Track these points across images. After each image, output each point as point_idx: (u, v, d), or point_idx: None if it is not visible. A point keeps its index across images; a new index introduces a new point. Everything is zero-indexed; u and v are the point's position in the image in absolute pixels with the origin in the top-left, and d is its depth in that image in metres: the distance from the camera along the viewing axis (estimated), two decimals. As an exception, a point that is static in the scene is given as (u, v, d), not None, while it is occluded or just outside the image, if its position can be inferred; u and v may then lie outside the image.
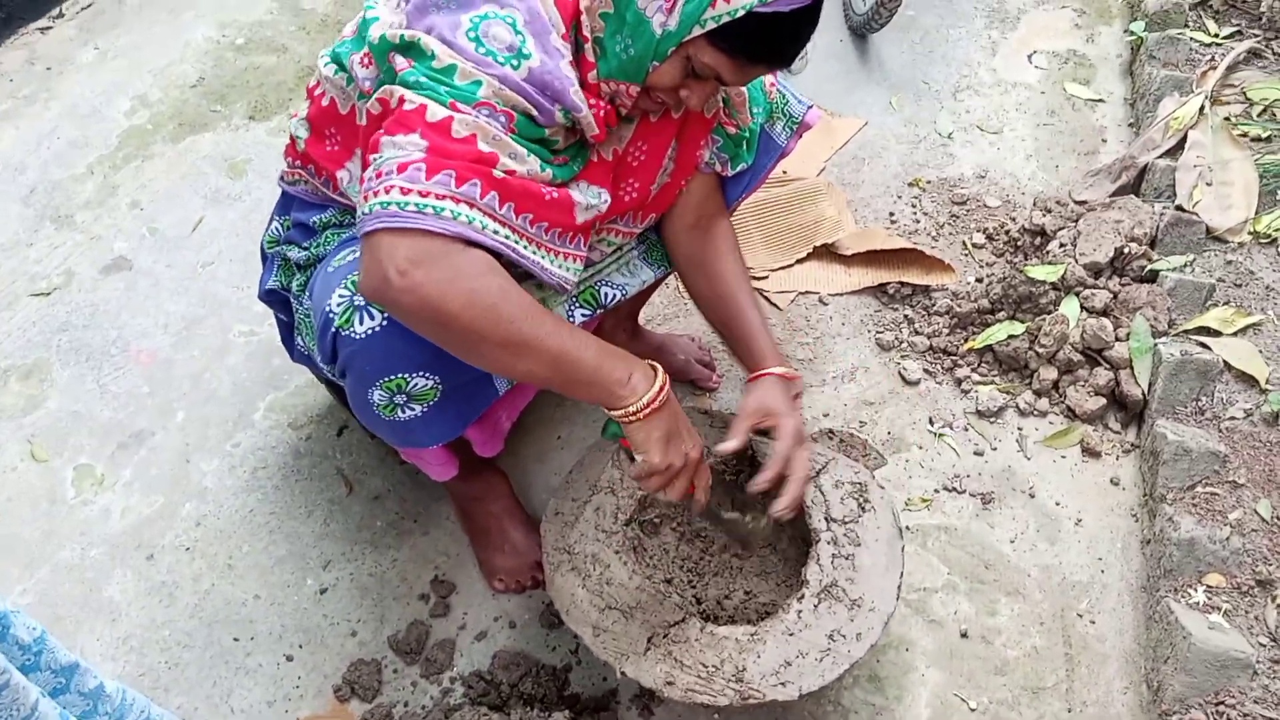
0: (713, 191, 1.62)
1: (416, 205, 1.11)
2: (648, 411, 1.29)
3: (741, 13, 1.18)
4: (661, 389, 1.30)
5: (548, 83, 1.21)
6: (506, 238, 1.18)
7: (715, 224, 1.64)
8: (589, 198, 1.33)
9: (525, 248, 1.22)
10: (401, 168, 1.12)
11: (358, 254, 1.37)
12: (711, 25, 1.21)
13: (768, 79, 1.59)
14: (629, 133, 1.43)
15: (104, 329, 2.12)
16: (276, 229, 1.61)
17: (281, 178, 1.55)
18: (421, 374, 1.33)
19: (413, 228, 1.11)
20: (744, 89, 1.52)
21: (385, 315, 1.29)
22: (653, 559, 1.63)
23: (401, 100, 1.16)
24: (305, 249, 1.53)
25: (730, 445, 1.48)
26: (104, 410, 1.97)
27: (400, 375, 1.32)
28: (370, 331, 1.30)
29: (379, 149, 1.16)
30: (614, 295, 1.57)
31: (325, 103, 1.41)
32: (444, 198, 1.12)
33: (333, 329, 1.32)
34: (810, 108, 1.64)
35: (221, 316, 2.14)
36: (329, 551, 1.78)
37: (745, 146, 1.59)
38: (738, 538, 1.57)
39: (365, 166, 1.20)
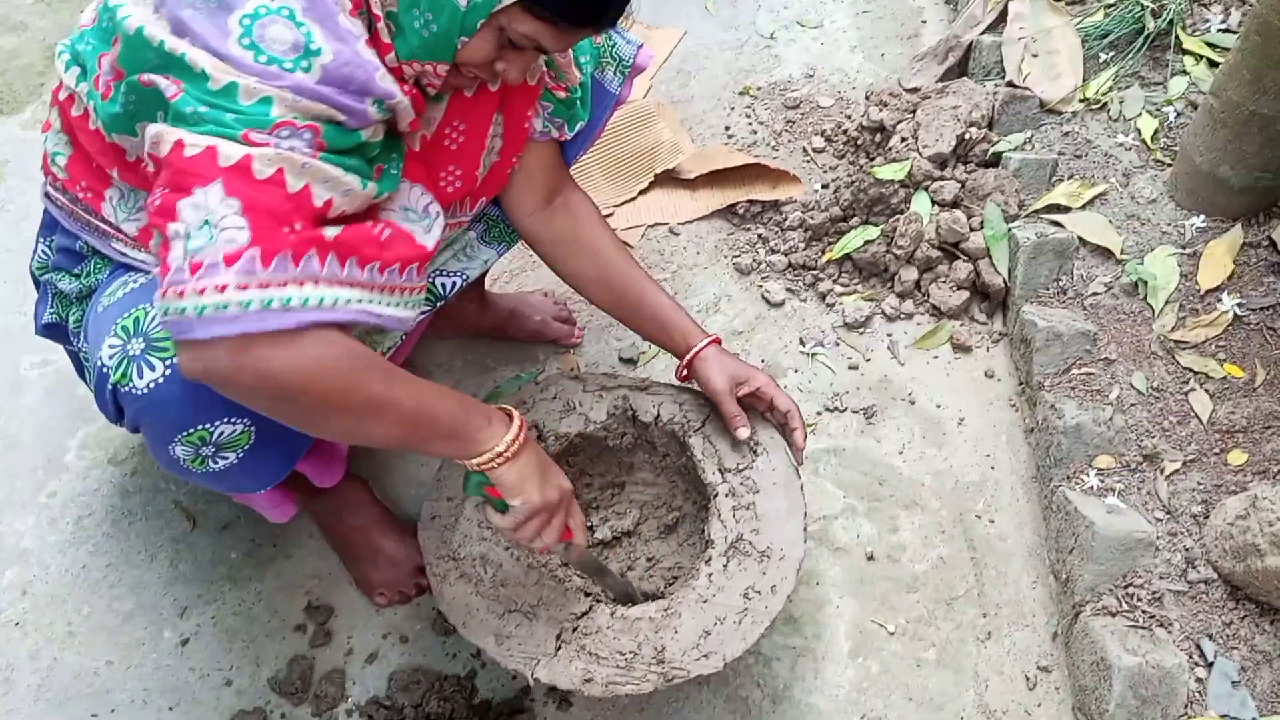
0: (555, 161, 1.47)
1: (261, 302, 0.92)
2: (514, 450, 1.17)
3: None
4: (522, 426, 1.19)
5: (349, 76, 1.02)
6: (359, 302, 1.00)
7: (569, 196, 1.50)
8: (420, 218, 1.14)
9: (377, 303, 1.03)
10: (230, 259, 0.91)
11: (129, 288, 1.17)
12: None
13: None
14: (439, 114, 1.26)
15: None
16: (44, 252, 1.37)
17: (44, 195, 1.31)
18: (225, 420, 1.15)
19: (259, 331, 0.92)
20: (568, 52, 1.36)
21: (169, 360, 1.10)
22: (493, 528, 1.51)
23: (179, 144, 0.94)
24: (76, 277, 1.30)
25: (744, 432, 1.44)
26: (-118, 483, 1.70)
27: (202, 426, 1.14)
28: (154, 384, 1.11)
29: (174, 214, 0.93)
30: (454, 284, 1.42)
31: (76, 112, 1.16)
32: (285, 284, 0.93)
33: (109, 385, 1.12)
34: (640, 47, 1.50)
35: (6, 350, 1.87)
36: (183, 596, 1.59)
37: (579, 105, 1.43)
38: (619, 592, 1.45)
39: (152, 233, 0.97)
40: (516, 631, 1.34)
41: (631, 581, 1.50)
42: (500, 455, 1.16)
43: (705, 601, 1.36)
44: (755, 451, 1.48)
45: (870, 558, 1.63)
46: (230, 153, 0.94)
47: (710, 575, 1.38)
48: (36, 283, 1.41)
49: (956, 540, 1.64)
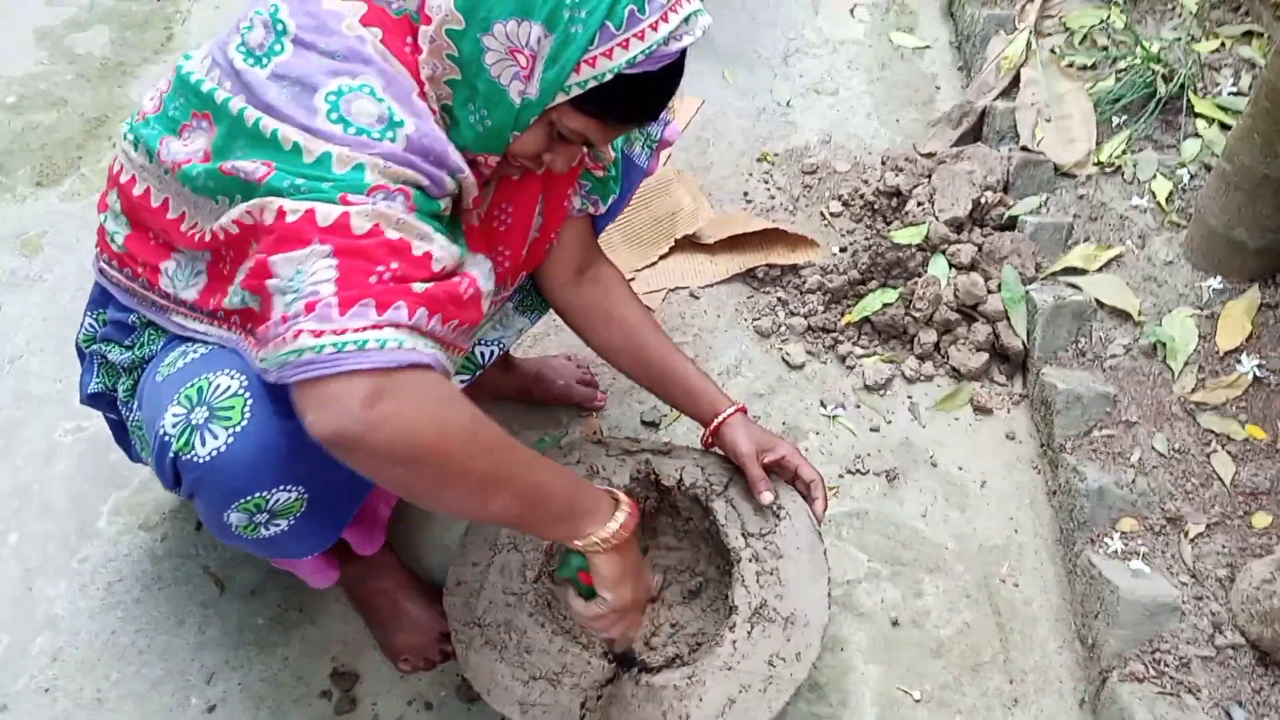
0: (587, 235, 1.52)
1: (335, 345, 0.95)
2: (618, 542, 1.18)
3: (609, 76, 1.08)
4: (630, 516, 1.20)
5: (428, 147, 1.07)
6: (435, 351, 1.03)
7: (600, 269, 1.55)
8: (484, 277, 1.18)
9: (447, 359, 1.05)
10: (309, 308, 0.96)
11: (190, 357, 1.20)
12: (577, 91, 1.10)
13: None
14: (489, 196, 1.31)
15: (-98, 454, 1.86)
16: (91, 325, 1.41)
17: (99, 270, 1.35)
18: (282, 488, 1.17)
19: (330, 374, 0.95)
20: None
21: (231, 429, 1.12)
22: (567, 621, 1.52)
23: (281, 213, 0.99)
24: (128, 348, 1.34)
25: (768, 497, 1.46)
26: (-82, 549, 1.73)
27: (258, 494, 1.16)
28: (215, 453, 1.13)
29: (271, 272, 0.98)
30: (492, 352, 1.46)
31: (138, 191, 1.21)
32: (363, 330, 0.96)
33: (170, 454, 1.15)
34: (668, 124, 1.55)
35: (42, 416, 1.90)
36: (210, 662, 1.61)
37: (613, 181, 1.48)
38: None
39: (254, 289, 1.03)
40: (541, 699, 1.34)
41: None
42: (604, 541, 1.17)
43: (730, 669, 1.36)
44: (778, 516, 1.50)
45: (895, 623, 1.62)
46: (328, 212, 0.99)
47: (734, 642, 1.38)
48: (81, 354, 1.45)
49: (981, 605, 1.64)
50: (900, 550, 1.71)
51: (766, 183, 2.30)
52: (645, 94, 1.13)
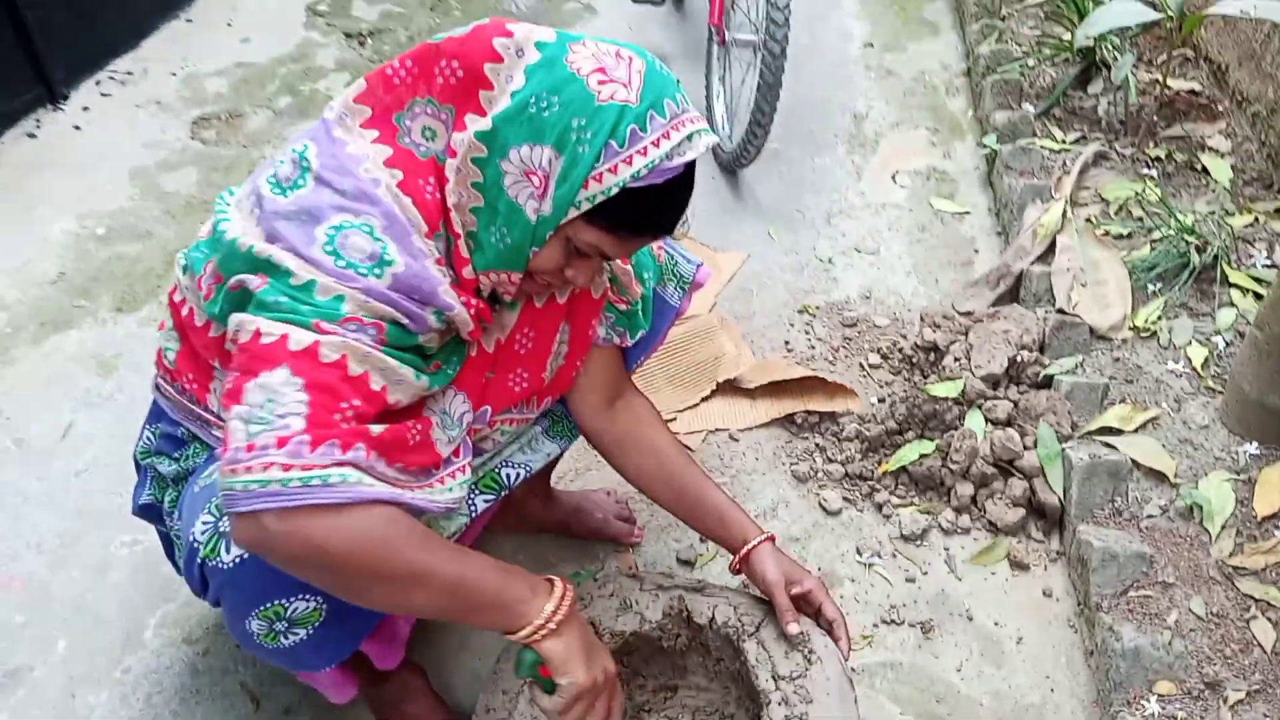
0: (617, 366, 1.59)
1: (301, 480, 1.03)
2: (558, 621, 1.23)
3: (615, 190, 1.17)
4: (564, 595, 1.25)
5: (415, 286, 1.16)
6: (388, 490, 1.12)
7: (631, 399, 1.62)
8: (448, 426, 1.26)
9: (407, 495, 1.15)
10: (281, 442, 1.04)
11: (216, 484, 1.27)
12: (587, 206, 1.18)
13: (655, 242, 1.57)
14: (513, 321, 1.39)
15: (-33, 557, 1.94)
16: (148, 438, 1.49)
17: (155, 387, 1.44)
18: (300, 597, 1.22)
19: (301, 505, 1.03)
20: (628, 265, 1.51)
21: None
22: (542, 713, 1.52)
23: (257, 334, 1.08)
24: (175, 460, 1.42)
25: (795, 627, 1.46)
26: (-29, 651, 1.79)
27: (277, 602, 1.21)
28: (239, 559, 1.19)
29: (240, 398, 1.07)
30: (518, 474, 1.50)
31: (185, 312, 1.31)
32: (328, 467, 1.05)
33: (199, 559, 1.21)
34: (700, 266, 1.64)
35: (101, 529, 1.98)
36: (241, 780, 1.62)
37: (640, 315, 1.56)
38: None
39: (226, 408, 1.10)
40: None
41: None
42: (541, 627, 1.21)
43: (756, 811, 1.35)
44: (809, 660, 1.50)
45: (927, 779, 1.60)
46: (301, 338, 1.07)
47: (761, 785, 1.38)
48: (138, 466, 1.53)
49: (1016, 765, 1.61)
50: (934, 705, 1.69)
51: (807, 334, 2.38)
52: (652, 207, 1.21)
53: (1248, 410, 1.86)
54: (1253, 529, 1.75)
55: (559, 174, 1.17)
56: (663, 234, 1.29)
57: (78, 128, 3.05)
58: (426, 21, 3.70)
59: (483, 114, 1.19)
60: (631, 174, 1.17)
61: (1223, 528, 1.76)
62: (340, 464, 1.05)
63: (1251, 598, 1.67)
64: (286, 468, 1.03)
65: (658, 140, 1.18)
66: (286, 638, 1.25)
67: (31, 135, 3.00)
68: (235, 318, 1.12)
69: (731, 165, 2.85)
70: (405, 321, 1.16)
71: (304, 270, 1.11)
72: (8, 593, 1.88)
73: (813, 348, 2.35)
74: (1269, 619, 1.63)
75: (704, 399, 2.21)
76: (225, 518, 1.21)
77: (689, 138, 1.19)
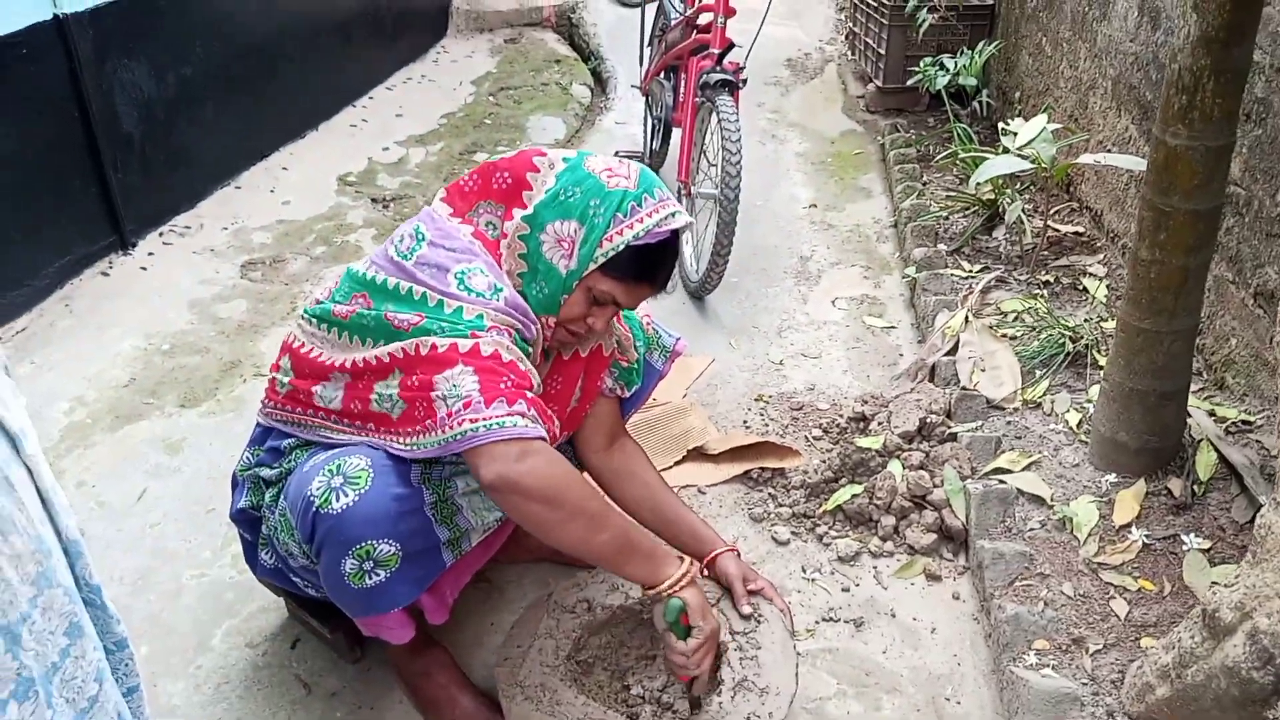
0: (616, 414, 2.10)
1: (485, 426, 1.53)
2: (691, 577, 1.71)
3: (623, 247, 1.70)
4: (692, 564, 1.75)
5: (519, 304, 1.70)
6: (544, 432, 1.60)
7: (626, 442, 2.13)
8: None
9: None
10: (466, 405, 1.54)
11: (330, 453, 1.72)
12: (602, 260, 1.72)
13: (644, 319, 2.10)
14: (546, 369, 1.90)
15: (62, 587, 2.31)
16: (249, 458, 1.93)
17: (262, 414, 1.89)
18: (385, 540, 1.64)
19: (490, 441, 1.53)
20: (629, 333, 2.03)
21: (358, 492, 1.62)
22: (590, 693, 1.91)
23: (434, 346, 1.59)
24: (275, 468, 1.86)
25: (748, 608, 1.92)
26: (69, 653, 2.14)
27: (369, 542, 1.63)
28: (345, 507, 1.62)
29: (434, 387, 1.57)
30: None
31: (304, 349, 1.78)
32: (502, 415, 1.54)
33: (313, 510, 1.64)
34: (679, 339, 2.17)
35: (174, 566, 2.38)
36: (296, 744, 1.97)
37: (635, 374, 2.07)
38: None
39: (418, 399, 1.60)
40: (568, 737, 1.71)
41: None
42: (682, 578, 1.69)
43: (716, 722, 1.73)
44: (758, 621, 1.92)
45: (858, 729, 1.97)
46: (464, 344, 1.59)
47: (720, 704, 1.76)
48: (235, 482, 1.96)
49: (929, 716, 1.99)
50: (864, 677, 2.08)
51: (762, 415, 2.86)
52: (650, 260, 1.75)
53: (1106, 447, 2.33)
54: (1112, 535, 2.20)
55: (582, 238, 1.71)
56: (659, 286, 1.83)
57: (144, 269, 3.60)
58: (439, 188, 4.35)
59: (525, 207, 1.73)
60: (634, 235, 1.71)
61: (1089, 535, 2.20)
62: (511, 414, 1.55)
63: (1111, 584, 2.09)
64: (474, 420, 1.53)
65: (650, 213, 1.73)
66: (370, 578, 1.66)
67: (105, 274, 3.54)
68: (408, 341, 1.62)
69: (698, 292, 3.41)
70: (521, 329, 1.69)
71: (451, 302, 1.64)
72: (96, 613, 2.25)
73: (767, 425, 2.82)
74: (1124, 598, 2.05)
75: (676, 463, 2.66)
76: (336, 477, 1.63)
77: (672, 214, 1.75)
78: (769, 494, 2.55)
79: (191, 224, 3.91)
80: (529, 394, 1.61)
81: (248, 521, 1.92)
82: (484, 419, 1.54)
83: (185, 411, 2.93)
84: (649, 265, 1.76)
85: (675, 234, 1.77)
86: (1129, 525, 2.21)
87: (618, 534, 1.65)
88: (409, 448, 1.63)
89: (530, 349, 1.73)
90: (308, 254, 3.78)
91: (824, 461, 2.59)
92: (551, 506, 1.56)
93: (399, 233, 1.79)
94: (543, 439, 1.58)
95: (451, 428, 1.55)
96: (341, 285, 1.80)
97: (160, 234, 3.82)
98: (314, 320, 1.79)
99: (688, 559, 1.76)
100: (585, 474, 2.09)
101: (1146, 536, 2.17)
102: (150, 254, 3.68)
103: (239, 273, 3.63)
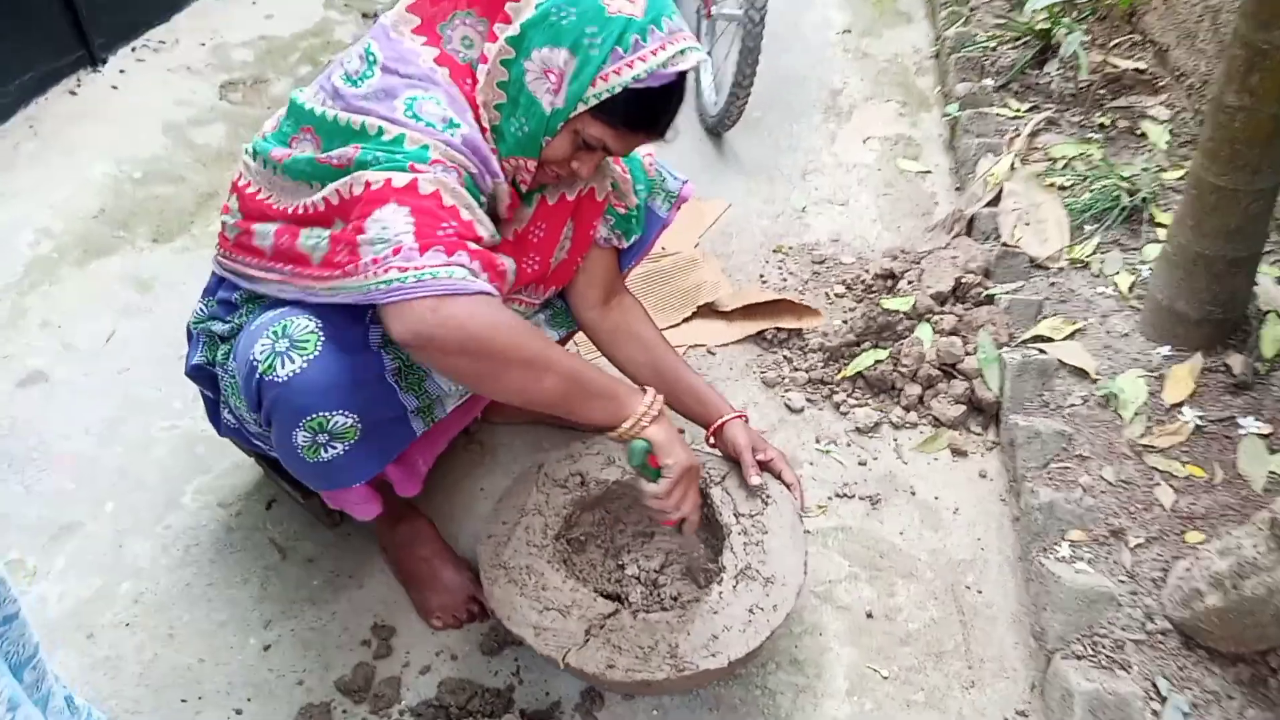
0: (613, 266, 1.85)
1: (415, 277, 1.28)
2: (656, 410, 1.50)
3: (619, 89, 1.42)
4: (656, 394, 1.53)
5: (478, 147, 1.42)
6: (487, 285, 1.35)
7: (624, 298, 1.88)
8: (509, 267, 1.50)
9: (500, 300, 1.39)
10: (395, 251, 1.29)
11: (278, 310, 1.50)
12: (594, 101, 1.43)
13: (646, 159, 1.83)
14: (528, 215, 1.65)
15: (23, 437, 2.17)
16: (201, 309, 1.73)
17: (215, 261, 1.68)
18: (340, 412, 1.45)
19: (418, 297, 1.28)
20: (628, 175, 1.76)
21: (305, 357, 1.42)
22: (581, 572, 1.76)
23: (367, 184, 1.33)
24: (228, 322, 1.65)
25: (757, 479, 1.73)
26: (31, 509, 2.01)
27: (321, 414, 1.44)
28: (291, 374, 1.42)
29: (364, 230, 1.32)
30: None
31: (249, 189, 1.55)
32: (437, 266, 1.29)
33: (257, 375, 1.44)
34: (685, 182, 1.89)
35: (143, 415, 2.22)
36: (269, 612, 1.85)
37: (634, 222, 1.82)
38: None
39: (344, 241, 1.35)
40: (552, 625, 1.57)
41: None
42: (645, 414, 1.48)
43: (716, 613, 1.58)
44: (765, 502, 1.74)
45: (869, 615, 1.83)
46: (400, 179, 1.33)
47: (720, 593, 1.61)
48: (190, 335, 1.77)
49: (947, 605, 1.84)
50: (878, 559, 1.93)
51: (780, 269, 2.63)
52: (649, 107, 1.47)
53: (1161, 317, 2.10)
54: (1161, 415, 2.00)
55: (572, 73, 1.43)
56: (656, 135, 1.55)
57: (115, 88, 3.31)
58: None
59: (509, 23, 1.45)
60: (633, 76, 1.42)
61: (1135, 414, 2.00)
62: (448, 265, 1.30)
63: (1156, 469, 1.91)
64: (402, 269, 1.28)
65: (656, 50, 1.43)
66: (326, 451, 1.48)
67: (72, 93, 3.26)
68: (342, 180, 1.37)
69: (716, 128, 3.11)
70: (475, 172, 1.42)
71: (391, 129, 1.38)
72: (61, 466, 2.11)
73: (785, 280, 2.59)
74: (1171, 486, 1.87)
75: (685, 320, 2.45)
76: (281, 340, 1.43)
77: (682, 52, 1.45)
78: (784, 356, 2.35)
79: (166, 39, 3.58)
80: (472, 245, 1.36)
81: (207, 378, 1.74)
82: (414, 268, 1.29)
83: (158, 247, 2.71)
84: (648, 112, 1.48)
85: (682, 75, 1.48)
86: (1180, 405, 2.00)
87: (565, 375, 1.41)
88: (328, 292, 1.42)
89: (482, 198, 1.47)
90: (292, 74, 3.48)
91: (845, 323, 2.38)
92: (476, 357, 1.33)
93: (348, 53, 1.51)
94: (487, 294, 1.34)
95: (375, 274, 1.30)
96: (287, 116, 1.55)
97: (133, 49, 3.50)
98: (256, 157, 1.56)
99: (650, 390, 1.54)
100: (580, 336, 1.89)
101: (1199, 418, 1.96)
102: (121, 71, 3.38)
103: (217, 94, 3.34)
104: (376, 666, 1.76)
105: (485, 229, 1.41)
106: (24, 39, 3.10)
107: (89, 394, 2.27)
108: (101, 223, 2.77)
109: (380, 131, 1.37)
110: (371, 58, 1.46)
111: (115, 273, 2.61)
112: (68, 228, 2.75)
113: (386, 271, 1.29)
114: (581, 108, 1.45)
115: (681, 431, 1.72)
